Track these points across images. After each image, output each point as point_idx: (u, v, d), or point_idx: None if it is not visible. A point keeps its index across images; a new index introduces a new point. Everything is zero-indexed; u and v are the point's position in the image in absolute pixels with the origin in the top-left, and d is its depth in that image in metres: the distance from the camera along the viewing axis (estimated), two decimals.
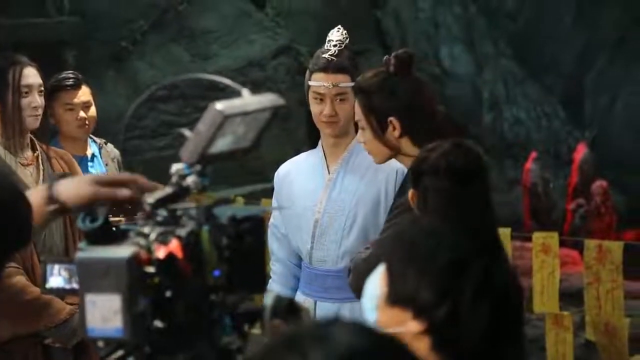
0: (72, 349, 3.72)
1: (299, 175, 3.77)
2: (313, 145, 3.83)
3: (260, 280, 1.65)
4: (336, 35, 3.64)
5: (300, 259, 3.76)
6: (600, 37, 11.75)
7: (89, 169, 4.65)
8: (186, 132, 1.56)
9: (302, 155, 3.86)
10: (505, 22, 11.78)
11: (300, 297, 3.67)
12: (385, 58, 3.30)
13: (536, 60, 11.64)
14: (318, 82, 3.61)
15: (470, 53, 11.36)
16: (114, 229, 1.60)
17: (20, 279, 3.50)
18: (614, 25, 11.67)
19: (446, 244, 1.62)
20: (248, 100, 1.59)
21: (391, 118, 3.23)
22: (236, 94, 1.60)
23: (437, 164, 2.71)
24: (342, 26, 3.69)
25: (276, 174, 3.84)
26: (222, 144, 1.57)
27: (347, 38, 3.64)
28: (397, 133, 3.24)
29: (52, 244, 3.70)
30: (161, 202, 1.57)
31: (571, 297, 6.31)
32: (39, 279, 2.93)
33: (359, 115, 3.31)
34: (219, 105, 1.53)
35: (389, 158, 3.32)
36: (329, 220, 3.65)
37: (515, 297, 1.66)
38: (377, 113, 3.25)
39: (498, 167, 10.53)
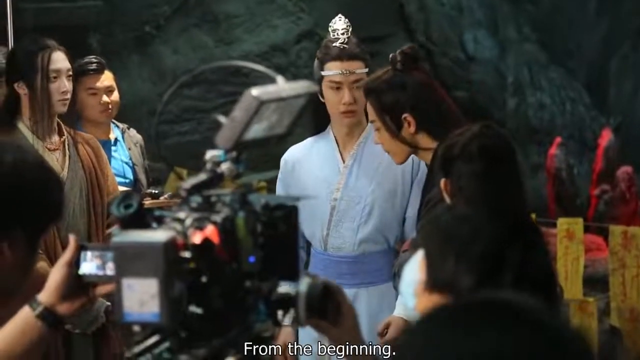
0: (91, 335, 3.75)
1: (310, 162, 3.75)
2: (318, 131, 3.82)
3: (293, 267, 1.65)
4: (340, 24, 3.68)
5: (303, 240, 3.74)
6: (625, 23, 11.66)
7: (113, 153, 4.68)
8: (221, 118, 1.56)
9: (309, 140, 3.83)
10: (529, 7, 11.71)
11: None
12: (391, 56, 3.33)
13: (560, 45, 11.57)
14: (334, 70, 3.62)
15: (494, 38, 11.30)
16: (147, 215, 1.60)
17: (43, 265, 3.52)
18: (638, 10, 11.59)
19: (485, 230, 1.61)
20: (282, 86, 1.59)
21: (405, 115, 3.25)
22: (261, 80, 1.60)
23: (469, 147, 2.70)
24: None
25: (283, 160, 3.81)
26: (256, 130, 1.57)
27: (350, 25, 3.67)
28: (412, 129, 3.26)
29: (75, 230, 3.71)
30: (196, 188, 1.57)
31: (596, 283, 6.29)
32: None
33: (372, 116, 3.33)
34: (255, 91, 1.53)
35: (409, 155, 3.33)
36: (346, 207, 3.66)
37: (551, 283, 1.65)
38: (390, 111, 3.27)
39: (522, 152, 10.47)
